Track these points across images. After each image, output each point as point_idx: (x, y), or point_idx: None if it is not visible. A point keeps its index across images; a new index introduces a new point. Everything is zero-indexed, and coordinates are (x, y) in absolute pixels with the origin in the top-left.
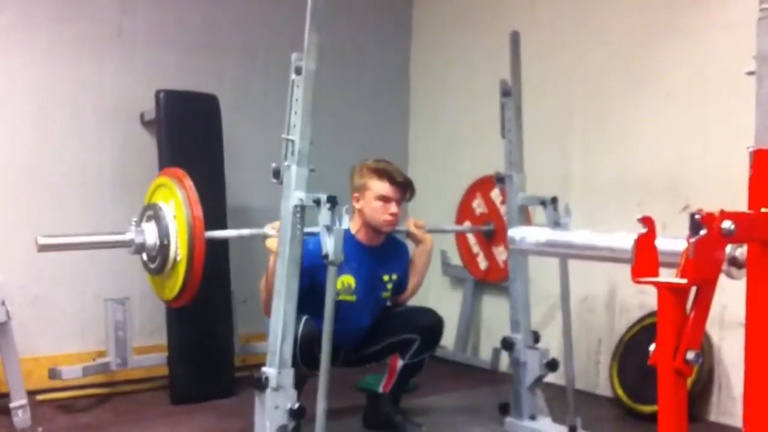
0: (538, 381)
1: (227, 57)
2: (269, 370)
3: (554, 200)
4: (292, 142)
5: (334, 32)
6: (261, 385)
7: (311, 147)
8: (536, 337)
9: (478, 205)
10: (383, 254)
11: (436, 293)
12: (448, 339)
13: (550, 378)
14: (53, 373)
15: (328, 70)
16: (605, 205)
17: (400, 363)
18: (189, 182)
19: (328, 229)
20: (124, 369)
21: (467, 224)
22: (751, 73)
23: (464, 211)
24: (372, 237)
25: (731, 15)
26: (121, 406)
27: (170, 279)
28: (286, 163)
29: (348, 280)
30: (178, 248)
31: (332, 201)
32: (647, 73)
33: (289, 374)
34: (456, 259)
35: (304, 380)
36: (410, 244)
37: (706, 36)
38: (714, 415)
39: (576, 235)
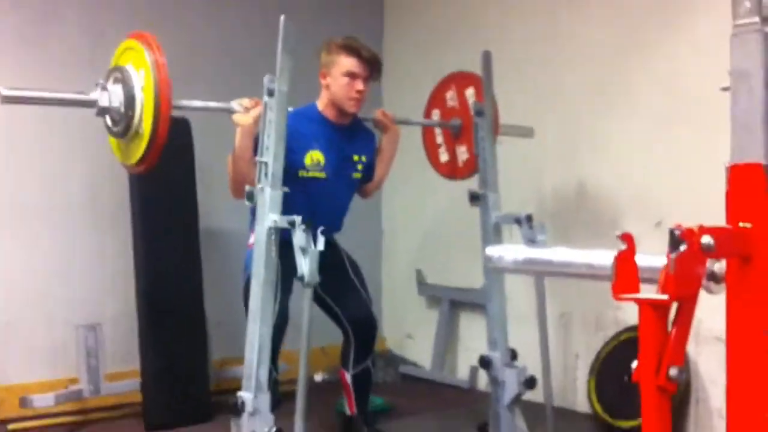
0: (517, 399)
1: (197, 79)
2: (245, 395)
3: (529, 218)
4: (266, 164)
5: (304, 57)
6: (237, 409)
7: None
8: (514, 355)
9: (451, 98)
10: (351, 133)
11: (412, 312)
12: (425, 358)
13: (529, 395)
14: (25, 402)
15: (299, 92)
16: (578, 223)
17: (347, 376)
18: (158, 45)
19: (303, 250)
20: (96, 396)
21: (435, 118)
22: (725, 89)
23: (436, 99)
24: (339, 116)
25: (700, 32)
26: None
27: (132, 144)
28: (259, 186)
29: (317, 155)
30: (143, 121)
31: (306, 223)
32: (618, 90)
33: (265, 398)
34: (432, 278)
35: (279, 402)
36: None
37: (676, 53)
38: (692, 429)
39: (554, 253)
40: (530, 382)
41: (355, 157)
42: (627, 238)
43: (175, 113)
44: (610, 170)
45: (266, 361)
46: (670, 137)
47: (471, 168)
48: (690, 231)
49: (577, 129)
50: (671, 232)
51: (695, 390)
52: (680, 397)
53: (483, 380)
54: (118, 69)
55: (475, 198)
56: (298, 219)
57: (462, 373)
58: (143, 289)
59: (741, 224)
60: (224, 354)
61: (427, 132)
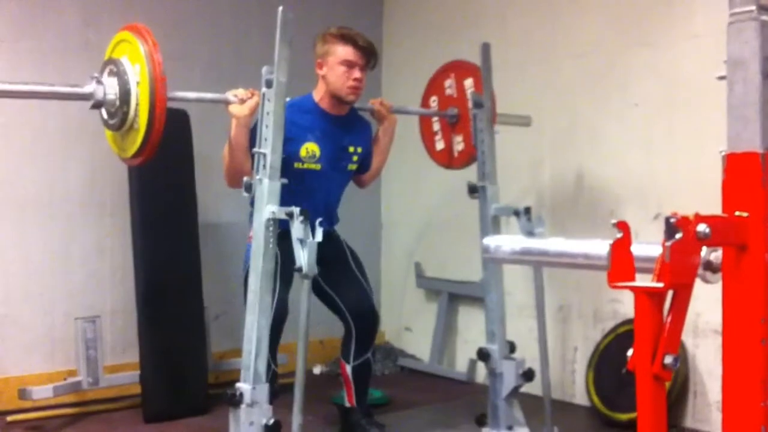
0: (515, 391)
1: (195, 69)
2: (243, 386)
3: (528, 210)
4: (264, 155)
5: (303, 53)
6: (235, 401)
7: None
8: (512, 348)
9: (450, 86)
10: (347, 125)
11: (410, 305)
12: (424, 351)
13: (527, 388)
14: (23, 394)
15: (295, 84)
16: (577, 215)
17: (348, 368)
18: (152, 38)
19: (301, 242)
20: (95, 388)
21: (433, 105)
22: (722, 78)
23: (435, 86)
24: (336, 106)
25: (696, 27)
26: (93, 425)
27: (128, 138)
28: (257, 177)
29: (312, 147)
30: (138, 116)
31: (305, 214)
32: (616, 84)
33: (263, 390)
34: (430, 271)
35: (277, 394)
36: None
37: (673, 47)
38: (690, 422)
39: (551, 243)
40: (528, 375)
41: (351, 149)
42: (623, 226)
43: (173, 105)
44: (608, 162)
45: (264, 353)
46: (669, 128)
47: (466, 158)
48: (685, 219)
49: (576, 121)
50: (667, 221)
51: (693, 383)
52: (678, 390)
53: (481, 373)
54: (112, 62)
55: (473, 190)
56: (296, 210)
57: (460, 366)
58: (142, 282)
59: (737, 213)
60: (223, 346)
61: (424, 119)
